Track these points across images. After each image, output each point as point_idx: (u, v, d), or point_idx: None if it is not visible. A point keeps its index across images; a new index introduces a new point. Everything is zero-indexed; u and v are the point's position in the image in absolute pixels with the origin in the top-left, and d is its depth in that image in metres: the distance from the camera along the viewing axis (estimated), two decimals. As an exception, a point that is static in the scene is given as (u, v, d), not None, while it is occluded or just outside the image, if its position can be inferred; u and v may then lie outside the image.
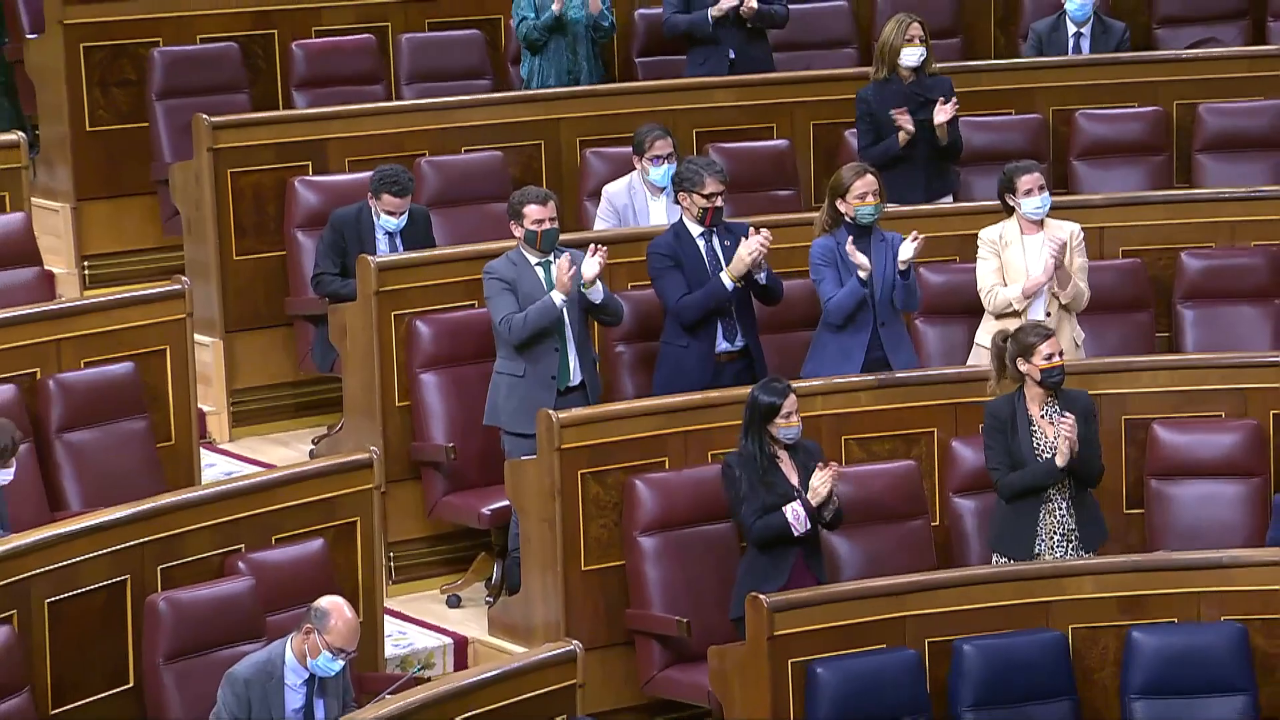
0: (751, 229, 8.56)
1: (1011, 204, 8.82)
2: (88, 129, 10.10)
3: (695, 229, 8.69)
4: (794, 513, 7.79)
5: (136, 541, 7.40)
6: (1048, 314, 8.67)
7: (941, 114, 9.54)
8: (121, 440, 8.24)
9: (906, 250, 8.52)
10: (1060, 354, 8.01)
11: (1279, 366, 8.76)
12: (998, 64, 10.72)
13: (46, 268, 9.22)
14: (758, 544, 7.86)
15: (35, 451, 8.03)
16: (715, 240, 8.64)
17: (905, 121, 9.49)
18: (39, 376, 8.19)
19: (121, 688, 7.34)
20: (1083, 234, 8.90)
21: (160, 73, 10.09)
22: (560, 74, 10.15)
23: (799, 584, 7.78)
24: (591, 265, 8.37)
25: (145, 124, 10.10)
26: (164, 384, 8.50)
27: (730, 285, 8.51)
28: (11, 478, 7.36)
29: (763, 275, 8.54)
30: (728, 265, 8.53)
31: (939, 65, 9.87)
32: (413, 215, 9.14)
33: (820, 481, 7.76)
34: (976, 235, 8.93)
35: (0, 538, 7.23)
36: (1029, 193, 8.76)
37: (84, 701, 7.26)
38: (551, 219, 8.50)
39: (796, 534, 7.79)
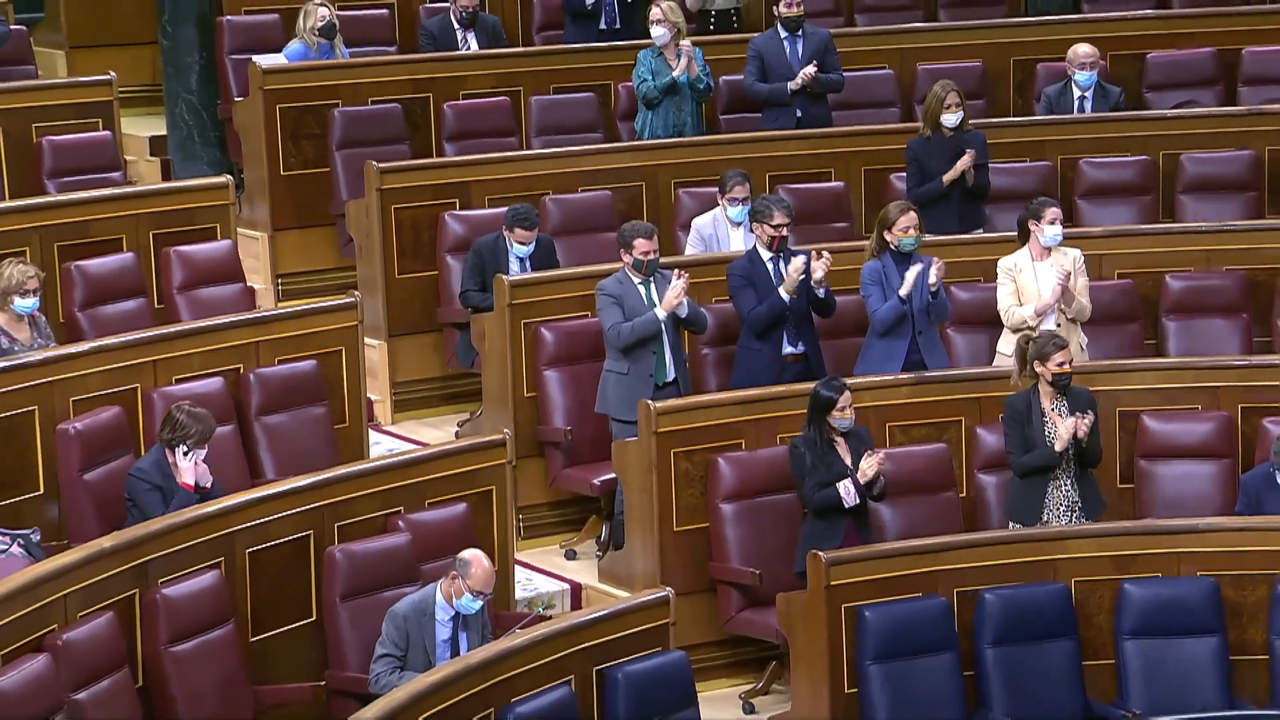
0: (813, 253, 8.53)
1: (1033, 230, 8.75)
2: (282, 173, 10.16)
3: (766, 254, 8.67)
4: (846, 488, 7.76)
5: (318, 504, 7.44)
6: (1058, 325, 8.60)
7: (965, 160, 9.48)
8: (306, 423, 8.28)
9: (932, 275, 8.43)
10: (1070, 363, 7.95)
11: (1246, 369, 8.68)
12: (1016, 121, 10.63)
13: (249, 284, 9.27)
14: (816, 512, 7.83)
15: (238, 431, 8.08)
16: (782, 263, 8.61)
17: (965, 163, 9.41)
18: (242, 371, 8.24)
19: (306, 621, 7.38)
20: (1084, 258, 8.83)
21: (339, 128, 10.14)
22: (667, 127, 10.12)
23: (850, 545, 7.75)
24: (677, 284, 8.36)
25: (326, 169, 10.15)
26: (340, 378, 8.53)
27: (786, 299, 8.48)
28: (204, 455, 7.35)
29: (821, 291, 8.51)
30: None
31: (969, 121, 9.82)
32: (539, 243, 9.17)
33: (868, 465, 7.73)
34: (999, 261, 8.87)
35: (215, 499, 7.32)
36: (1052, 222, 8.71)
37: (276, 631, 7.32)
38: (655, 250, 8.52)
39: (847, 506, 7.76)
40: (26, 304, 7.64)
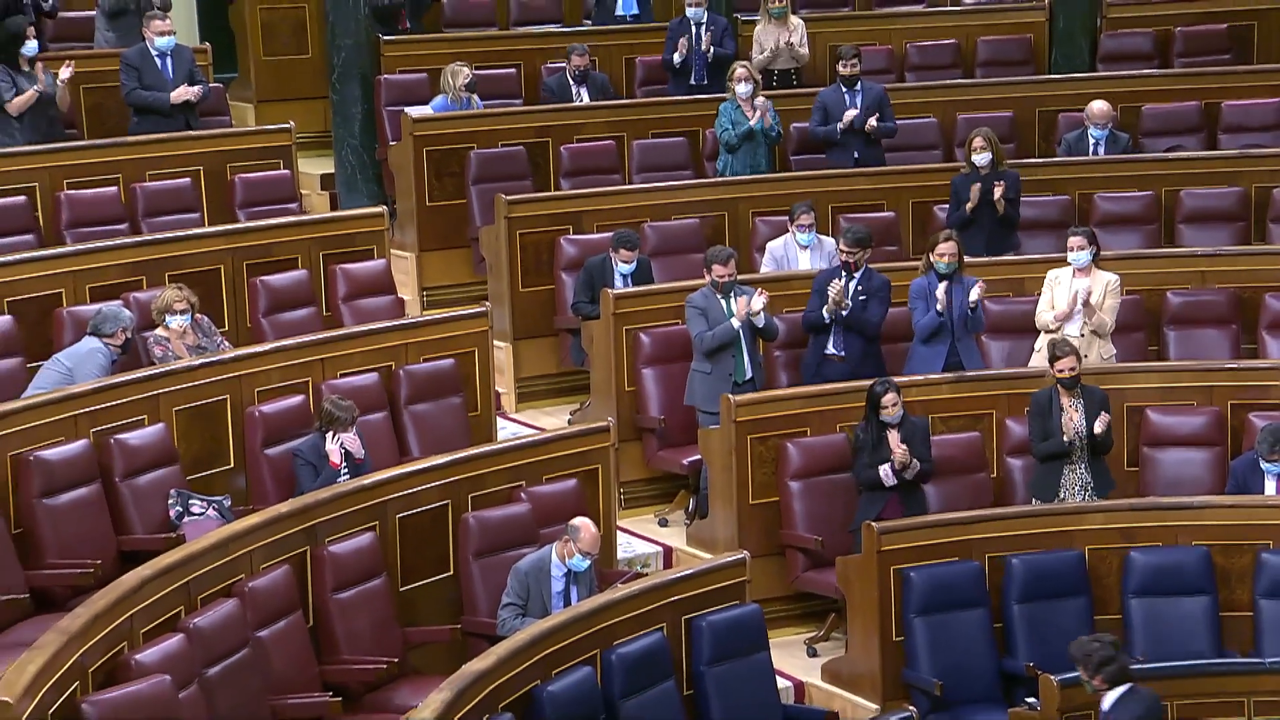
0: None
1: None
2: (427, 204, 10.22)
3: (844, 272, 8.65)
4: (884, 472, 7.78)
5: (455, 478, 7.47)
6: (1081, 335, 8.54)
7: (997, 190, 9.41)
8: (446, 411, 8.31)
9: (974, 294, 8.44)
10: (1072, 367, 7.89)
11: (1235, 371, 8.55)
12: (1040, 161, 10.51)
13: (399, 296, 9.34)
14: (861, 487, 7.86)
15: (390, 418, 8.14)
16: (853, 283, 8.56)
17: (975, 193, 9.36)
18: (393, 368, 8.29)
19: (444, 575, 7.42)
20: (1119, 280, 8.73)
21: (474, 167, 10.19)
22: (745, 168, 10.13)
23: (891, 515, 7.75)
24: (758, 302, 8.37)
25: (464, 200, 10.20)
26: (473, 374, 8.56)
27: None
28: (353, 437, 7.39)
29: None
30: (850, 299, 8.46)
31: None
32: (639, 263, 9.19)
33: (900, 453, 7.73)
34: (1028, 279, 8.81)
35: (367, 473, 7.38)
36: (1070, 249, 8.64)
37: (420, 583, 7.36)
38: (731, 272, 8.51)
39: (886, 486, 7.79)
40: (176, 319, 7.84)
